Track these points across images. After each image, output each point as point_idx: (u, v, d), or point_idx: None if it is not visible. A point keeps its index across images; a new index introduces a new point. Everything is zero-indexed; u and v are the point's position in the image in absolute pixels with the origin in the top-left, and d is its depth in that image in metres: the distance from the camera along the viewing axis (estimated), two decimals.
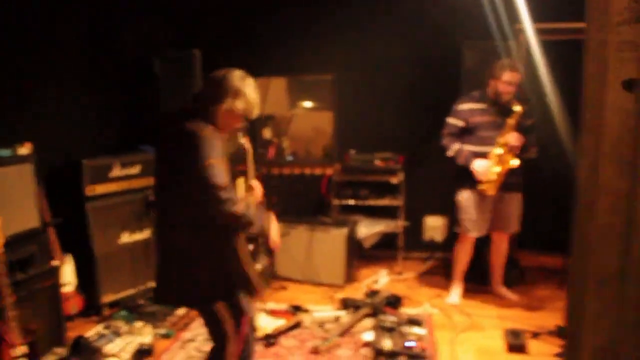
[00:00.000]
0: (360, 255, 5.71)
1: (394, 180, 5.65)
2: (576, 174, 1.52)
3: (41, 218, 3.97)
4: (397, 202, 5.71)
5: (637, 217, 1.44)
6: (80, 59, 4.95)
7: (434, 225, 6.00)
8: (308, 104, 6.44)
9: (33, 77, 4.39)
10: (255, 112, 2.79)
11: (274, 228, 2.98)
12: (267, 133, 6.37)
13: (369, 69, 5.97)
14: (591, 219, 1.51)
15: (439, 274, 5.64)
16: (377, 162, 5.78)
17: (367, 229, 5.73)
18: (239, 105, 2.70)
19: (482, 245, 5.04)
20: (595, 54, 1.45)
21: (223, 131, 2.78)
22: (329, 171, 6.00)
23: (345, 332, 4.29)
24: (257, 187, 3.19)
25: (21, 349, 3.20)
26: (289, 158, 6.28)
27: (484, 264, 5.11)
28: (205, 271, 2.66)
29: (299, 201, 6.04)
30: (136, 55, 5.42)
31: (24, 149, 3.86)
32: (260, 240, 2.95)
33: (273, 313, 4.62)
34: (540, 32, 5.26)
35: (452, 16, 5.52)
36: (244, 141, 3.59)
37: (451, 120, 4.78)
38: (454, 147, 4.71)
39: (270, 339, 4.16)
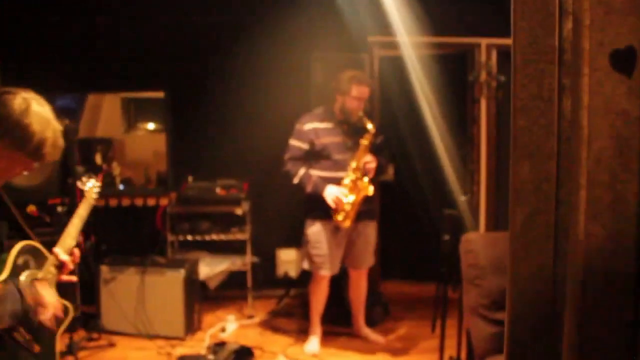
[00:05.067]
0: (204, 298, 4.91)
1: (239, 210, 4.93)
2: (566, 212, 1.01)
3: None
4: (244, 235, 4.99)
5: None
6: None
7: (287, 259, 5.31)
8: (151, 125, 5.72)
9: None
10: (49, 153, 1.92)
11: (50, 301, 1.98)
12: (98, 159, 5.45)
13: (206, 85, 5.23)
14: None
15: (295, 313, 4.97)
16: (219, 191, 5.02)
17: (210, 268, 4.98)
18: (8, 140, 1.85)
19: (340, 281, 4.45)
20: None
21: None
22: (163, 202, 5.15)
23: None
24: (75, 255, 2.27)
25: None
26: (120, 187, 5.36)
27: (344, 302, 4.52)
28: None
29: (129, 238, 5.14)
30: None
31: None
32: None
33: None
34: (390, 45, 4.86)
35: (299, 25, 4.92)
36: (87, 185, 2.72)
37: (294, 142, 4.18)
38: (300, 173, 4.10)
39: None
